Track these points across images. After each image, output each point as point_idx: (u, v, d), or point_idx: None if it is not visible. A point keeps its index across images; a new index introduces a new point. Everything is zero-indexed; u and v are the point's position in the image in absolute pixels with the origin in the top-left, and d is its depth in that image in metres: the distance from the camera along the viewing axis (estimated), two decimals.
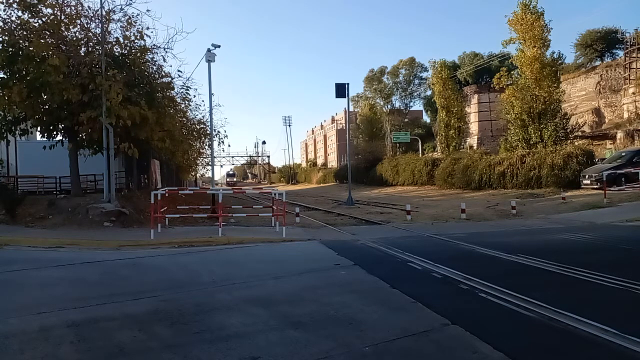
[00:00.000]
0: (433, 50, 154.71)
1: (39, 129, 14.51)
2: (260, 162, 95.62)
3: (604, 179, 16.25)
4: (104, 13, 12.82)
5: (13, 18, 12.13)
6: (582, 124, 33.16)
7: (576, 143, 26.88)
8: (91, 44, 13.45)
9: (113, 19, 13.20)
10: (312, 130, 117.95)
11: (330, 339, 3.66)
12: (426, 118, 62.00)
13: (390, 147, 52.43)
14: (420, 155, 40.70)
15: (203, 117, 25.28)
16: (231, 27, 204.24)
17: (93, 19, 13.17)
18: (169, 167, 29.44)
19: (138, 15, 15.62)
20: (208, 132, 22.36)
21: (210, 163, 21.29)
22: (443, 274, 5.97)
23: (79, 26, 13.24)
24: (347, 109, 27.82)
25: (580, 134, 30.99)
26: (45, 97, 12.59)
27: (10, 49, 11.97)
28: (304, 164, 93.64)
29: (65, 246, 8.77)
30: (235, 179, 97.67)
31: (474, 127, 45.46)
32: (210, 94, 16.71)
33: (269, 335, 3.80)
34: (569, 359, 3.34)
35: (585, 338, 3.59)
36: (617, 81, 32.94)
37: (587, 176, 19.40)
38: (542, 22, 25.35)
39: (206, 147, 28.84)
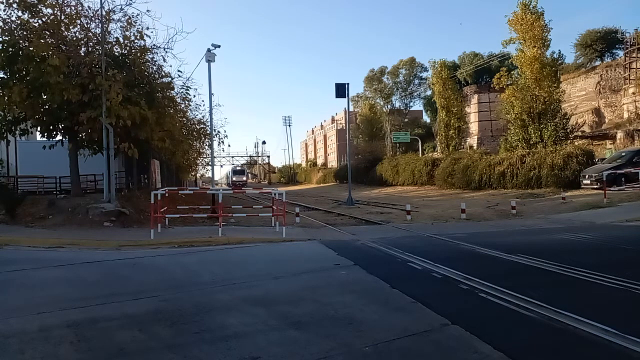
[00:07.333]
0: (433, 50, 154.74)
1: (39, 129, 14.49)
2: (260, 162, 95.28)
3: (604, 179, 16.25)
4: (104, 13, 12.82)
5: (13, 18, 12.13)
6: (582, 124, 33.15)
7: (576, 143, 26.88)
8: (91, 44, 13.45)
9: (113, 19, 13.21)
10: (312, 130, 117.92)
11: (330, 339, 3.66)
12: (426, 118, 62.14)
13: (390, 147, 52.46)
14: (420, 155, 40.69)
15: (203, 117, 25.31)
16: (231, 27, 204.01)
17: (93, 19, 13.17)
18: (169, 167, 29.41)
19: (138, 15, 15.62)
20: (208, 132, 22.37)
21: (210, 163, 21.30)
22: (443, 274, 5.96)
23: (79, 26, 13.24)
24: (347, 109, 27.80)
25: (580, 134, 30.99)
26: (45, 97, 12.59)
27: (10, 49, 11.97)
28: (304, 164, 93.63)
29: (65, 246, 8.77)
30: (245, 178, 67.60)
31: (474, 127, 45.47)
32: (210, 94, 16.75)
33: (268, 335, 3.80)
34: (569, 359, 3.34)
35: (585, 338, 3.59)
36: (617, 81, 32.91)
37: (587, 176, 19.38)
38: (542, 22, 25.37)
39: (206, 147, 28.87)
